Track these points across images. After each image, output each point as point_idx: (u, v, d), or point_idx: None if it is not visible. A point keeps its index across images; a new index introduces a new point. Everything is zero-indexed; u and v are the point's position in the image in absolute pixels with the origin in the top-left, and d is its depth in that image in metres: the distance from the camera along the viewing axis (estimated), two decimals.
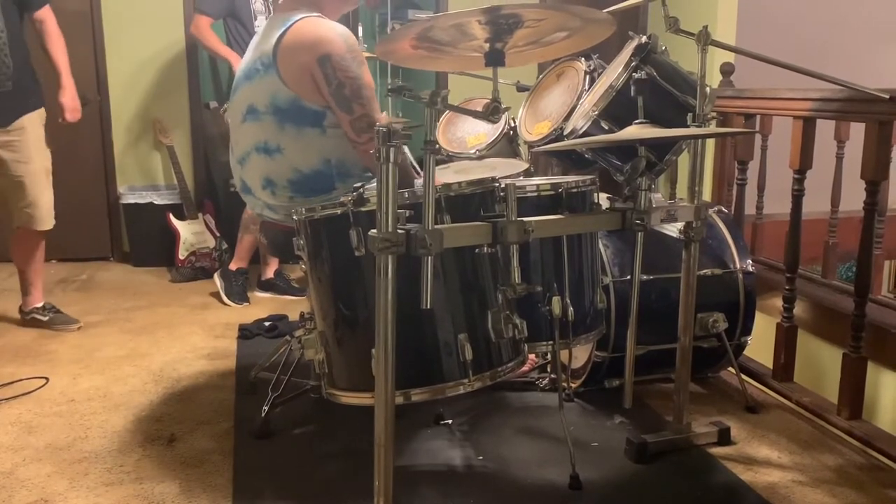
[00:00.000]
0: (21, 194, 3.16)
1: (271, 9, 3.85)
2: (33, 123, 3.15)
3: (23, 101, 3.12)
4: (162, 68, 4.05)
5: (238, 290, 3.80)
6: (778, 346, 2.72)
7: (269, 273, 3.98)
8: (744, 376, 2.65)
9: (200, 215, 4.43)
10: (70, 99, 3.24)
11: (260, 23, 3.81)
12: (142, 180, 4.69)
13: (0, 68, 2.99)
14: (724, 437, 2.29)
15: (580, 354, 2.59)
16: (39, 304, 3.39)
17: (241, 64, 2.46)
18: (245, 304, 3.75)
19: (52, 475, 2.11)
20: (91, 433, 2.36)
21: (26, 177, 3.14)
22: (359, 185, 1.94)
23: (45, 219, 3.23)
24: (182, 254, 4.26)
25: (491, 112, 1.77)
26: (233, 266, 3.86)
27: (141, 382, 2.76)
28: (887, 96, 2.21)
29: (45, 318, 3.36)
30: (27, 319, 3.39)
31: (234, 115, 2.41)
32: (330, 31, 2.24)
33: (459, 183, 1.89)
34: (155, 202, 4.41)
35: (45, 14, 3.20)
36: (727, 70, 3.26)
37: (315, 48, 2.20)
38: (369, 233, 1.63)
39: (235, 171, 2.49)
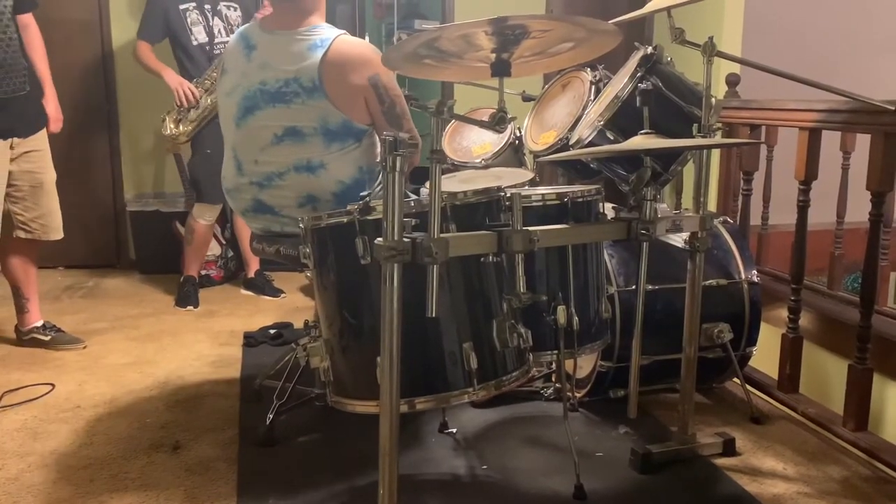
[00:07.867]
0: (36, 204, 3.08)
1: (209, 17, 3.87)
2: (46, 133, 3.12)
3: (41, 109, 3.09)
4: None
5: (184, 295, 3.90)
6: (783, 356, 2.71)
7: (251, 273, 4.18)
8: (749, 387, 2.64)
9: None
10: (55, 109, 3.16)
11: (198, 33, 3.85)
12: (148, 188, 4.71)
13: (17, 69, 2.92)
14: (729, 448, 2.28)
15: (585, 364, 2.59)
16: (39, 324, 3.22)
17: (244, 81, 2.36)
18: (190, 306, 3.83)
19: (58, 481, 2.11)
20: (96, 440, 2.37)
21: (43, 186, 3.09)
22: (365, 193, 1.95)
23: (59, 229, 3.18)
24: None
25: (497, 122, 1.78)
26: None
27: (146, 389, 2.77)
28: (893, 107, 2.21)
29: (47, 339, 3.19)
30: (26, 339, 3.20)
31: (258, 136, 2.36)
32: (367, 49, 2.32)
33: (465, 192, 1.90)
34: (161, 210, 4.42)
35: (30, 20, 3.07)
36: (733, 81, 3.26)
37: (363, 69, 2.26)
38: (375, 241, 1.64)
39: (246, 192, 2.43)
